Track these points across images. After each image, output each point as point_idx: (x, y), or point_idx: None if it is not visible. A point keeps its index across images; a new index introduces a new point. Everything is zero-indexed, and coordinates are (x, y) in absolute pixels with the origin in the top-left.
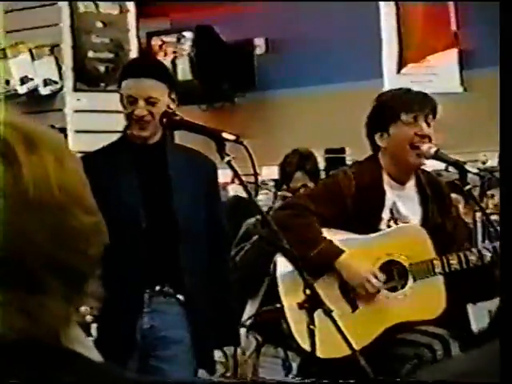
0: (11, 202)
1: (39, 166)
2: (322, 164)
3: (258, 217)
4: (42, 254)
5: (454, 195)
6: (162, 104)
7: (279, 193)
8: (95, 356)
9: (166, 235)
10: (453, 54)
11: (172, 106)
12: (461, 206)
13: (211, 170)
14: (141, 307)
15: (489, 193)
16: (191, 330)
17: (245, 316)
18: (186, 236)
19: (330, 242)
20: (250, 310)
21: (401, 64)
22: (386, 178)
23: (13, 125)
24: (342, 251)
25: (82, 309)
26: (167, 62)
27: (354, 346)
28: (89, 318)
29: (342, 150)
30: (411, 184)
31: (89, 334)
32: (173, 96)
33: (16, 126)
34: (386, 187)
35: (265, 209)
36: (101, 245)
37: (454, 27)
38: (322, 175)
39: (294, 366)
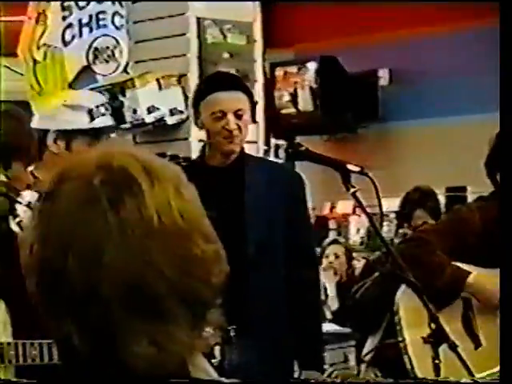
0: (137, 232)
1: (161, 196)
2: (442, 202)
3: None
4: (166, 283)
5: None
6: (247, 117)
7: (400, 230)
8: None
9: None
10: None
11: (255, 118)
12: None
13: (296, 184)
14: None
15: None
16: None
17: (364, 351)
18: (257, 265)
19: (457, 266)
20: (369, 345)
21: None
22: None
23: (133, 156)
24: (470, 272)
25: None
26: (289, 92)
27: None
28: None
29: (464, 189)
30: None
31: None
32: (253, 111)
33: (136, 157)
34: None
35: (387, 240)
36: (222, 273)
37: None
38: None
39: None
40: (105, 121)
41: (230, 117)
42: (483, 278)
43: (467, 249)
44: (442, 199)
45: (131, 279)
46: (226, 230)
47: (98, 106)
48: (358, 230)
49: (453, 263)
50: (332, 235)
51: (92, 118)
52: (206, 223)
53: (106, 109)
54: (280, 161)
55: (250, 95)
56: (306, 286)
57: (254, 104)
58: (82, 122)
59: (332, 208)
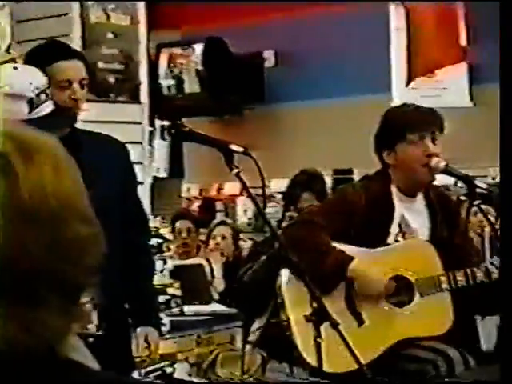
0: (8, 214)
1: (35, 176)
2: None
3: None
4: (37, 266)
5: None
6: (86, 88)
7: (287, 213)
8: (92, 364)
9: None
10: (462, 69)
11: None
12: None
13: (125, 154)
14: None
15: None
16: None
17: (251, 333)
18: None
19: (341, 251)
20: (256, 326)
21: (409, 78)
22: (395, 191)
23: (9, 134)
24: (353, 258)
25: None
26: (175, 73)
27: (361, 360)
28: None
29: (350, 171)
30: (420, 197)
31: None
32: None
33: (12, 136)
34: (395, 201)
35: (273, 221)
36: (98, 255)
37: (462, 42)
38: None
39: (299, 380)
40: None
41: (76, 86)
42: (364, 265)
43: (352, 229)
44: (328, 181)
45: (1, 262)
46: None
47: None
48: (246, 212)
49: (337, 248)
50: (219, 217)
51: None
52: (85, 204)
53: None
54: (108, 133)
55: (88, 66)
56: (140, 250)
57: (89, 75)
58: None
59: (219, 189)
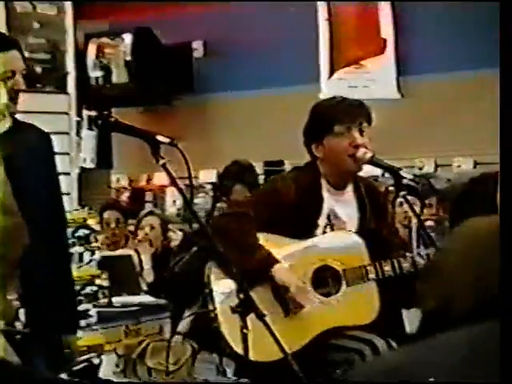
0: None
1: None
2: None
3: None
4: None
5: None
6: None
7: (218, 204)
8: (13, 359)
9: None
10: (390, 61)
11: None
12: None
13: (48, 144)
14: None
15: (426, 202)
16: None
17: (181, 324)
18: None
19: (268, 252)
20: (187, 319)
21: (332, 70)
22: (324, 184)
23: None
24: (278, 261)
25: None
26: (103, 63)
27: (287, 349)
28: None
29: (281, 163)
30: (349, 189)
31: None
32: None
33: None
34: (324, 193)
35: (202, 212)
36: (20, 246)
37: (383, 34)
38: None
39: (229, 371)
40: None
41: (18, 76)
42: (285, 271)
43: (281, 219)
44: (260, 173)
45: None
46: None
47: None
48: (175, 202)
49: (264, 248)
50: (148, 207)
51: None
52: (6, 195)
53: None
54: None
55: (24, 56)
56: (56, 250)
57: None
58: None
59: (149, 180)
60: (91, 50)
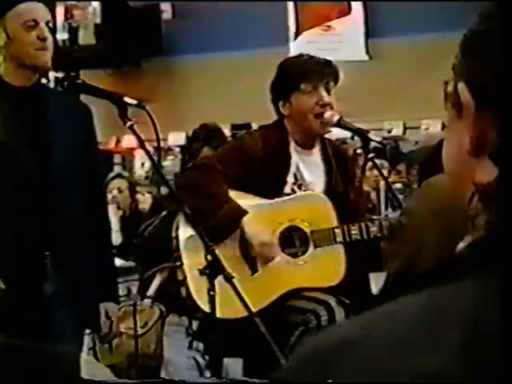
0: None
1: None
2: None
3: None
4: None
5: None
6: (51, 33)
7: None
8: None
9: (44, 192)
10: (358, 23)
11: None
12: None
13: (86, 116)
14: (43, 271)
15: (395, 165)
16: (71, 291)
17: (151, 288)
18: (63, 192)
19: (235, 202)
20: (155, 283)
21: (297, 31)
22: (291, 142)
23: None
24: (246, 212)
25: None
26: (71, 25)
27: (252, 308)
28: None
29: (249, 126)
30: (317, 151)
31: None
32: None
33: None
34: (292, 151)
35: (171, 175)
36: None
37: None
38: None
39: (197, 330)
40: None
41: (43, 26)
42: (254, 221)
43: (249, 176)
44: (228, 136)
45: None
46: (30, 154)
47: None
48: (143, 164)
49: (232, 199)
50: (117, 169)
51: None
52: None
53: None
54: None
55: (52, 11)
56: (98, 220)
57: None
58: None
59: (117, 142)
60: (59, 12)
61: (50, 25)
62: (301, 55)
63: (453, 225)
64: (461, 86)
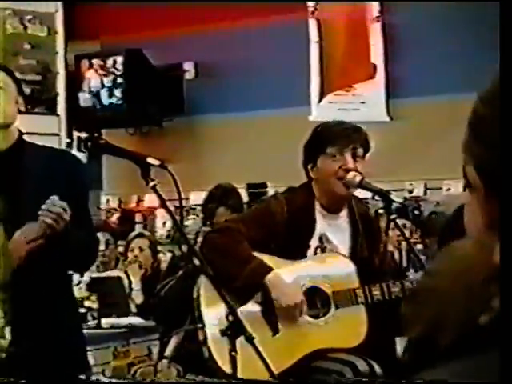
0: None
1: None
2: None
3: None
4: None
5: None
6: (9, 94)
7: (203, 228)
8: None
9: None
10: (380, 84)
11: (22, 108)
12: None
13: (74, 168)
14: None
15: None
16: None
17: (168, 349)
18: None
19: (261, 260)
20: (173, 343)
21: (322, 93)
22: (317, 206)
23: None
24: (272, 269)
25: None
26: (95, 84)
27: (274, 369)
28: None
29: (264, 185)
30: (344, 214)
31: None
32: (20, 100)
33: None
34: (318, 215)
35: (192, 234)
36: (8, 270)
37: (373, 59)
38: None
39: None
40: None
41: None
42: (281, 277)
43: (273, 239)
44: (244, 196)
45: None
46: (5, 216)
47: None
48: (164, 224)
49: (257, 257)
50: (138, 228)
51: None
52: None
53: None
54: (60, 147)
55: (17, 82)
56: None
57: (17, 82)
58: None
59: (139, 201)
60: (82, 71)
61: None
62: (333, 121)
63: (476, 290)
64: (469, 168)
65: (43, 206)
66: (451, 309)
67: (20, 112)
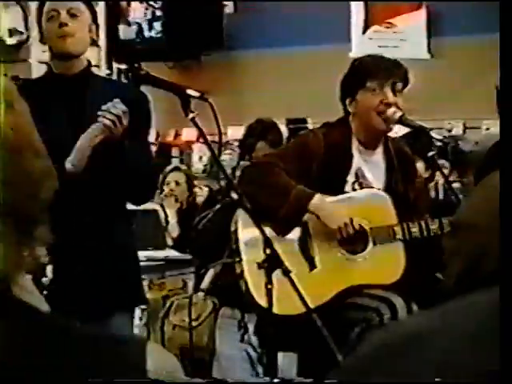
0: None
1: None
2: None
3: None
4: None
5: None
6: (83, 21)
7: (241, 162)
8: (43, 306)
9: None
10: (421, 21)
11: (94, 37)
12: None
13: (141, 102)
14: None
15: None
16: None
17: (204, 282)
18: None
19: (301, 186)
20: (209, 276)
21: (366, 25)
22: (354, 142)
23: None
24: (314, 193)
25: (37, 252)
26: (133, 17)
27: (310, 304)
28: (43, 259)
29: (304, 120)
30: (379, 151)
31: (44, 275)
32: (93, 28)
33: None
34: (354, 151)
35: (228, 169)
36: (51, 189)
37: None
38: None
39: (251, 327)
40: None
41: (63, 13)
42: (325, 201)
43: (310, 174)
44: (284, 131)
45: None
46: (67, 138)
47: None
48: (201, 158)
49: (299, 185)
50: (174, 162)
51: None
52: (37, 139)
53: None
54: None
55: (92, 10)
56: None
57: (92, 9)
58: None
59: (177, 135)
60: (122, 4)
61: (74, 11)
62: (372, 55)
63: None
64: None
65: (103, 107)
66: (492, 244)
67: (93, 41)
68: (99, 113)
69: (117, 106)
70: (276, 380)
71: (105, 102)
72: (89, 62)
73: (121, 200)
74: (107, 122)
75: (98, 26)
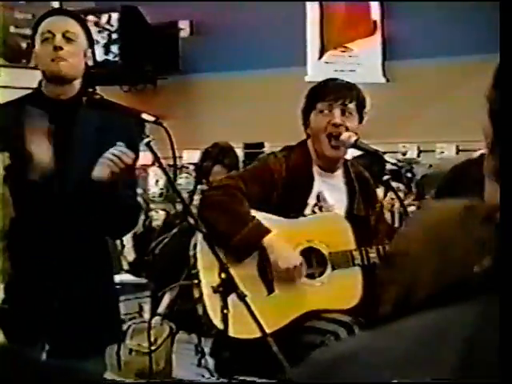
0: None
1: None
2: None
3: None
4: None
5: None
6: (79, 46)
7: (198, 186)
8: None
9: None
10: (376, 45)
11: (90, 62)
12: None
13: (132, 128)
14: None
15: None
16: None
17: (162, 306)
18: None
19: (258, 221)
20: (166, 300)
21: (322, 50)
22: (315, 165)
23: None
24: (269, 230)
25: None
26: None
27: (266, 329)
28: None
29: (261, 145)
30: (339, 173)
31: None
32: (89, 53)
33: None
34: (315, 174)
35: (185, 192)
36: (6, 217)
37: (373, 16)
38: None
39: (207, 350)
40: None
41: (58, 36)
42: (278, 241)
43: (271, 197)
44: (241, 155)
45: None
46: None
47: None
48: (157, 182)
49: (256, 218)
50: None
51: None
52: None
53: None
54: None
55: (88, 34)
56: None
57: (88, 34)
58: None
59: None
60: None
61: (69, 35)
62: (327, 79)
63: (454, 251)
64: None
65: (110, 150)
66: (425, 272)
67: (87, 66)
68: (107, 155)
69: (123, 150)
70: None
71: (91, 132)
72: (81, 87)
73: (101, 234)
74: (115, 169)
75: (94, 52)
